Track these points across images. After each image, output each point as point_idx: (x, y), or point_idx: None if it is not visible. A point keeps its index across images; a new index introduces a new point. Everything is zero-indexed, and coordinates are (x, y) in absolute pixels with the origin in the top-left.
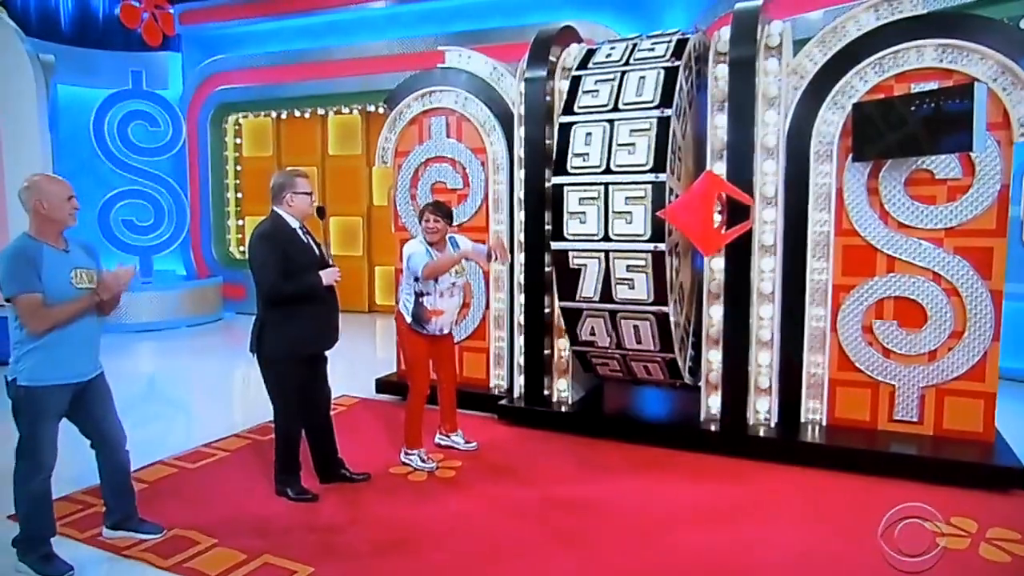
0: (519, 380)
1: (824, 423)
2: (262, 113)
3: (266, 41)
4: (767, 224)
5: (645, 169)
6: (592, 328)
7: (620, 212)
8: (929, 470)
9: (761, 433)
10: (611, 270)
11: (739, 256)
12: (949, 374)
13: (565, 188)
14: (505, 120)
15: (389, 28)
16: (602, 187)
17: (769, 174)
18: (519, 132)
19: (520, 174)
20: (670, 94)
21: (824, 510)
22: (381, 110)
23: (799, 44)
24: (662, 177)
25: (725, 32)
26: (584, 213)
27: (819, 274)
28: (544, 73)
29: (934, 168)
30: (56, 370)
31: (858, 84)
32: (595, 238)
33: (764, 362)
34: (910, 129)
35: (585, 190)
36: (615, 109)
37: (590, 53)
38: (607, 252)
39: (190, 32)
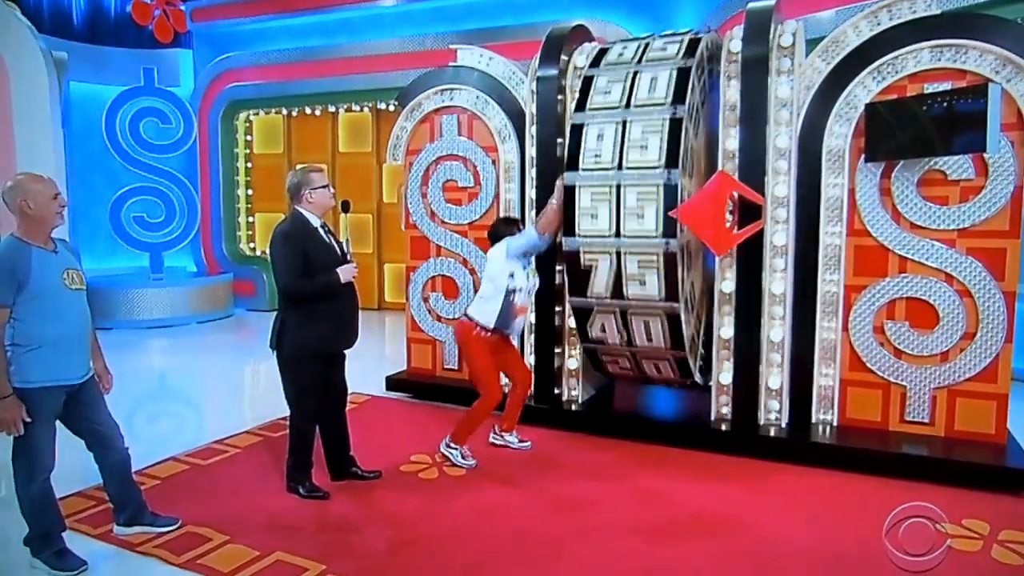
0: None
1: (835, 424)
2: (273, 110)
3: (277, 38)
4: (779, 224)
5: (657, 167)
6: (603, 325)
7: (632, 209)
8: (940, 471)
9: (772, 433)
10: (622, 267)
11: (751, 255)
12: (961, 375)
13: (577, 185)
14: (517, 118)
15: (400, 26)
16: (614, 185)
17: (781, 174)
18: (531, 130)
19: (532, 172)
20: (682, 93)
21: (834, 510)
22: (392, 108)
23: (811, 44)
24: (674, 175)
25: (737, 32)
26: (596, 210)
27: (831, 274)
28: (556, 72)
29: (947, 169)
30: (49, 371)
31: (871, 84)
32: (607, 235)
33: (775, 362)
34: (923, 129)
35: (597, 188)
36: (627, 108)
37: (602, 52)
38: (618, 249)
39: (201, 29)
